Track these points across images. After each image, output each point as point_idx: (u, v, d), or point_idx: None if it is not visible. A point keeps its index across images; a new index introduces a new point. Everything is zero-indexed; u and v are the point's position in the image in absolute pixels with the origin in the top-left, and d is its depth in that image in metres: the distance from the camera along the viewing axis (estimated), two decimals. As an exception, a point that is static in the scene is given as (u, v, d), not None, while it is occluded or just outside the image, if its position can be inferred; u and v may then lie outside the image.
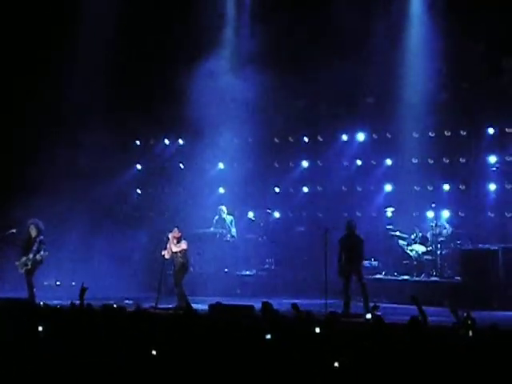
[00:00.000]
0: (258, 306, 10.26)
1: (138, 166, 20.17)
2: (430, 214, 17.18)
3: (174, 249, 14.50)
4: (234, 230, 18.32)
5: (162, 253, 14.61)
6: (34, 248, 14.89)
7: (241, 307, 11.27)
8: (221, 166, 19.52)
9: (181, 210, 19.20)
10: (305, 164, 19.12)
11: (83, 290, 9.77)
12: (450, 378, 6.92)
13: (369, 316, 8.93)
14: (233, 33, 18.87)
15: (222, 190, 19.41)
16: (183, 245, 14.59)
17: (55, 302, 12.66)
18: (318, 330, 7.98)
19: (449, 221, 17.05)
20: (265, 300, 9.48)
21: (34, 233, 15.02)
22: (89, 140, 18.27)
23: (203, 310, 10.80)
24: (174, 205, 19.38)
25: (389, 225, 17.36)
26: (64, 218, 17.87)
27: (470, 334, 8.07)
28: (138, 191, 20.23)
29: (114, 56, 18.19)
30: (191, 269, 15.42)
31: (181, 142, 20.02)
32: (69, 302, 9.77)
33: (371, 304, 12.33)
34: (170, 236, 14.60)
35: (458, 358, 7.16)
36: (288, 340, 7.23)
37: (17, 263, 14.92)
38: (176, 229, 14.66)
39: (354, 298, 14.34)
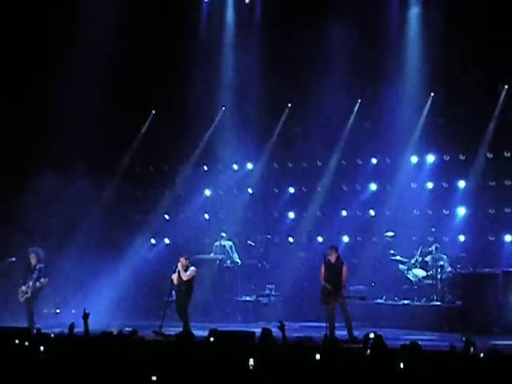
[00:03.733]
0: (258, 331, 10.24)
1: (137, 193, 20.20)
2: (430, 239, 17.20)
3: (185, 278, 14.52)
4: (236, 256, 18.33)
5: (172, 276, 14.64)
6: (34, 276, 14.90)
7: (241, 334, 11.23)
8: (220, 192, 19.61)
9: (181, 236, 19.23)
10: (304, 189, 19.20)
11: (86, 316, 9.82)
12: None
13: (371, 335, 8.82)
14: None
15: (221, 216, 19.45)
16: (192, 272, 14.64)
17: (55, 330, 12.62)
18: (318, 356, 7.94)
19: (447, 255, 17.00)
20: (265, 326, 9.47)
21: (34, 261, 15.03)
22: (89, 165, 18.35)
23: (203, 336, 10.77)
24: (174, 231, 19.40)
25: (391, 250, 17.35)
26: (63, 245, 17.86)
27: (472, 350, 8.09)
28: (138, 217, 20.22)
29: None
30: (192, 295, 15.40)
31: (180, 168, 20.08)
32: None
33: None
34: (179, 265, 14.65)
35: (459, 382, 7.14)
36: (284, 367, 7.22)
37: (18, 291, 14.92)
38: (182, 258, 14.67)
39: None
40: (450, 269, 16.66)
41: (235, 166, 19.52)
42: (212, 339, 8.96)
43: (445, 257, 16.86)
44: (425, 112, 17.98)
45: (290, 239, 19.08)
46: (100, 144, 18.36)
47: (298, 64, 17.83)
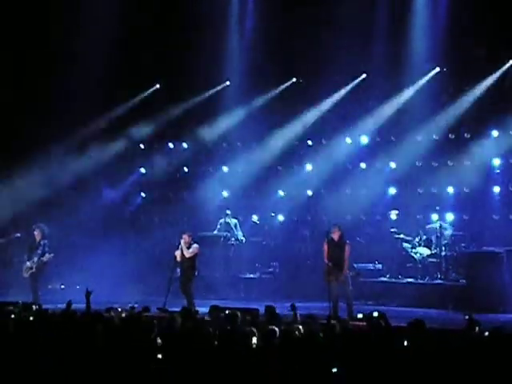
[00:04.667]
0: (262, 309, 10.29)
1: (142, 170, 20.19)
2: (435, 217, 17.17)
3: (188, 255, 14.55)
4: (240, 233, 18.34)
5: (176, 253, 14.69)
6: (39, 251, 14.99)
7: (244, 311, 11.26)
8: (224, 169, 19.60)
9: (186, 214, 19.24)
10: (308, 167, 19.15)
11: (88, 294, 9.95)
12: (453, 381, 6.91)
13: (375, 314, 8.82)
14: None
15: (225, 194, 19.46)
16: (195, 249, 14.65)
17: (59, 305, 12.67)
18: (321, 334, 7.96)
19: (453, 223, 17.03)
20: (268, 304, 9.49)
21: (38, 236, 15.11)
22: (92, 143, 18.35)
23: (206, 313, 10.81)
24: (179, 208, 19.41)
25: (393, 228, 17.35)
26: (69, 222, 17.90)
27: (477, 330, 8.11)
28: (143, 195, 20.25)
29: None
30: (196, 273, 15.43)
31: (185, 145, 20.06)
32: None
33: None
34: (182, 242, 14.67)
35: (463, 361, 7.15)
36: (289, 344, 7.24)
37: (23, 267, 15.01)
38: (185, 235, 14.69)
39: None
40: (451, 231, 16.64)
41: (239, 143, 19.49)
42: (225, 313, 8.99)
43: (448, 226, 16.81)
44: (429, 89, 17.87)
45: (294, 217, 19.07)
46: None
47: (300, 37, 17.74)
